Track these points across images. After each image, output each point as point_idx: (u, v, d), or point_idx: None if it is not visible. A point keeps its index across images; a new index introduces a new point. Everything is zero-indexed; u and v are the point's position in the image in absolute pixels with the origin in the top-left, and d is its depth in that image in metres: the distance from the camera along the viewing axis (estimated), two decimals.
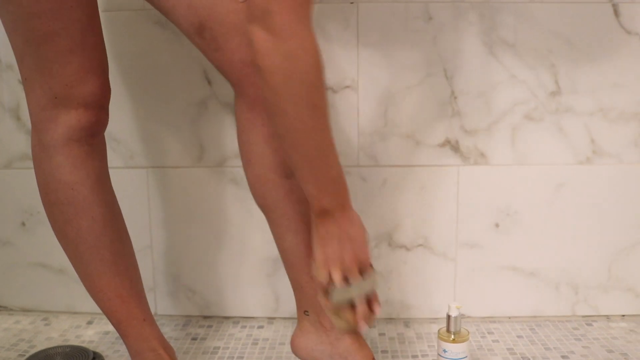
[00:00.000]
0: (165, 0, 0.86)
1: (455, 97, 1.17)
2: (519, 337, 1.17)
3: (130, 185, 1.23)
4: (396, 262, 1.24)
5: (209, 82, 1.19)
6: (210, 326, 1.25)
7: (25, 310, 1.32)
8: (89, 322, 1.27)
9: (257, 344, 1.17)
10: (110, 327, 1.22)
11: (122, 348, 1.12)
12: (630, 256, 1.22)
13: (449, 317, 0.96)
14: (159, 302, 1.29)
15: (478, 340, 1.16)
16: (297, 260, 0.94)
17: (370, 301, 0.85)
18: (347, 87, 1.18)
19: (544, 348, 1.12)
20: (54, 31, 0.81)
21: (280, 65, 0.72)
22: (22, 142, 1.24)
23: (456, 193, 1.21)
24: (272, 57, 0.72)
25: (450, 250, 1.23)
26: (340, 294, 0.82)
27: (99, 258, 0.89)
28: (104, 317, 0.97)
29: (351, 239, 0.83)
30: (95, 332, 1.23)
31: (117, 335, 0.98)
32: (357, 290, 0.83)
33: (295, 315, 1.26)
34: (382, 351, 1.13)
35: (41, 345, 1.17)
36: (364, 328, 0.85)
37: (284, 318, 1.28)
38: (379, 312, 0.86)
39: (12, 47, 0.85)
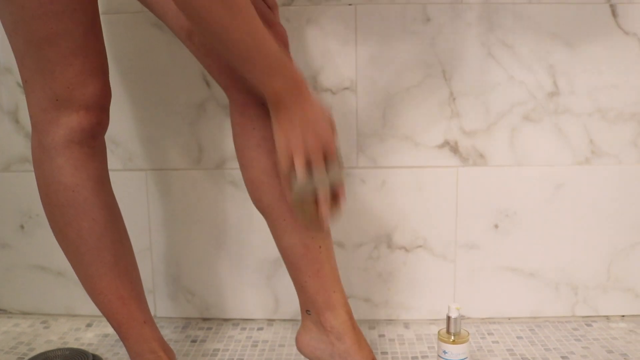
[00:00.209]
0: (157, 5, 0.86)
1: (454, 98, 1.17)
2: (518, 338, 1.17)
3: (129, 188, 1.23)
4: (395, 263, 1.24)
5: (208, 84, 1.19)
6: (209, 328, 1.24)
7: (24, 313, 1.32)
8: (88, 325, 1.26)
9: (256, 345, 1.17)
10: (109, 330, 1.22)
11: (122, 350, 1.12)
12: (629, 256, 1.22)
13: (448, 318, 0.95)
14: (158, 304, 1.29)
15: (478, 342, 1.16)
16: (295, 260, 0.94)
17: (336, 194, 0.82)
18: (346, 88, 1.18)
19: (544, 349, 1.12)
20: (56, 33, 0.81)
21: None
22: (20, 145, 1.24)
23: (455, 194, 1.21)
24: None
25: (449, 251, 1.23)
26: (302, 183, 0.77)
27: (100, 260, 0.89)
28: (103, 319, 0.97)
29: (314, 123, 0.79)
30: (94, 334, 1.22)
31: (117, 337, 0.98)
32: (320, 180, 0.77)
33: (295, 317, 1.27)
34: (382, 353, 1.13)
35: (40, 348, 1.16)
36: (327, 223, 0.82)
37: (284, 320, 1.27)
38: (344, 206, 0.82)
39: (13, 48, 0.85)
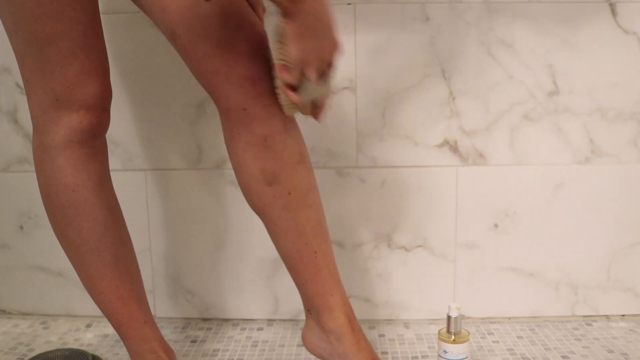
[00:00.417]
0: (145, 4, 0.86)
1: (454, 98, 1.17)
2: (519, 337, 1.17)
3: (129, 188, 1.23)
4: (395, 263, 1.24)
5: None
6: (209, 328, 1.24)
7: (24, 314, 1.32)
8: (88, 325, 1.26)
9: (256, 346, 1.17)
10: (109, 330, 1.21)
11: (122, 351, 1.12)
12: (629, 256, 1.22)
13: (449, 317, 0.95)
14: (158, 305, 1.29)
15: (478, 341, 1.16)
16: (292, 263, 0.94)
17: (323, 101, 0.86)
18: (345, 88, 1.18)
19: (544, 348, 1.12)
20: (56, 33, 0.81)
21: None
22: (20, 146, 1.24)
23: (455, 194, 1.21)
24: None
25: (449, 251, 1.23)
26: (313, 90, 0.80)
27: (100, 260, 0.89)
28: (103, 320, 0.97)
29: (326, 29, 0.79)
30: (94, 335, 1.22)
31: (117, 338, 0.98)
32: (325, 88, 0.81)
33: (295, 317, 1.27)
34: (382, 353, 1.12)
35: (40, 348, 1.16)
36: (320, 119, 0.86)
37: (284, 320, 1.27)
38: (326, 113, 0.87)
39: (13, 48, 0.85)
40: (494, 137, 1.19)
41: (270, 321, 1.27)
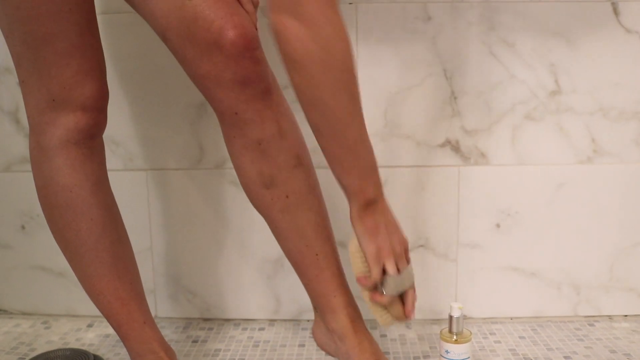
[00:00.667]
0: (138, 7, 0.86)
1: (455, 97, 1.17)
2: (521, 337, 1.16)
3: (130, 188, 1.23)
4: None
5: None
6: (210, 328, 1.24)
7: (25, 314, 1.32)
8: (89, 325, 1.26)
9: (258, 346, 1.17)
10: (110, 330, 1.21)
11: (123, 351, 1.12)
12: (631, 256, 1.21)
13: (451, 317, 0.95)
14: (159, 305, 1.28)
15: (480, 341, 1.15)
16: (294, 262, 0.95)
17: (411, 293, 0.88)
18: None
19: (547, 349, 1.11)
20: (52, 34, 0.81)
21: (317, 55, 0.70)
22: (21, 145, 1.24)
23: (457, 193, 1.20)
24: (307, 47, 0.69)
25: (451, 251, 1.23)
26: (396, 283, 0.82)
27: (99, 260, 0.89)
28: (104, 320, 0.96)
29: (395, 226, 0.85)
30: (95, 335, 1.22)
31: (118, 338, 0.98)
32: (409, 278, 0.83)
33: (296, 317, 1.27)
34: (384, 353, 1.12)
35: (41, 348, 1.16)
36: (413, 316, 0.88)
37: (285, 320, 1.27)
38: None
39: (10, 49, 0.85)
40: (495, 136, 1.18)
41: (271, 321, 1.27)
